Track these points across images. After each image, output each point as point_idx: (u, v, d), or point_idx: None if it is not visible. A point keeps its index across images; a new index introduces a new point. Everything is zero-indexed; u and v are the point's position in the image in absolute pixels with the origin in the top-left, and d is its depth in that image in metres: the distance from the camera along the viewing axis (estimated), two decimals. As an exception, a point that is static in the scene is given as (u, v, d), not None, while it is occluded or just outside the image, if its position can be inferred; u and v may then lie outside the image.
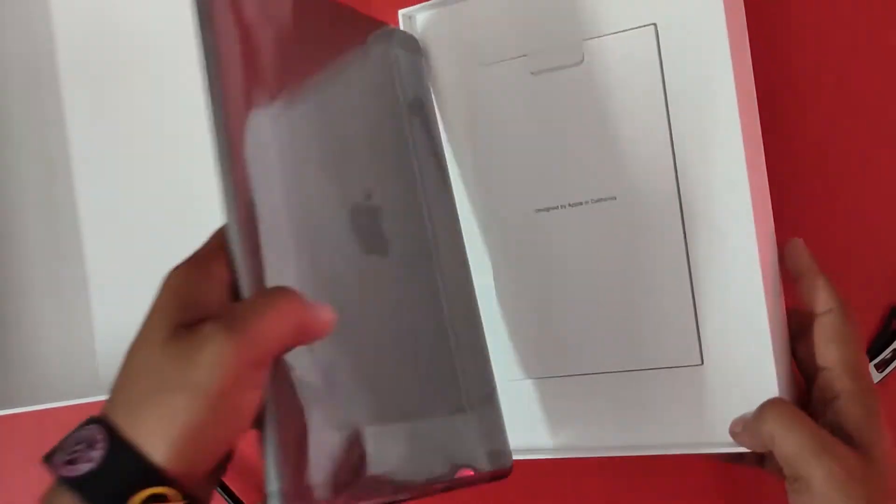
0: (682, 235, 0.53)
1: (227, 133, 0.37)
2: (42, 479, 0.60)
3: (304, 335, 0.35)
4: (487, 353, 0.52)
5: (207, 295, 0.34)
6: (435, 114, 0.55)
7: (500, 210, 0.56)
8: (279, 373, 0.37)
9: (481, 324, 0.51)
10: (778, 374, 0.48)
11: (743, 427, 0.43)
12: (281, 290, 0.34)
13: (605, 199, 0.54)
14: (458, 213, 0.55)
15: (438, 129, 0.55)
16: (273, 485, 0.38)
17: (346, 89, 0.48)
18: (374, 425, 0.41)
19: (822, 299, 0.43)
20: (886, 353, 0.59)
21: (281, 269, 0.38)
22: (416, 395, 0.44)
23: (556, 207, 0.55)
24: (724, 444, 0.49)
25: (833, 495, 0.36)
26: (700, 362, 0.52)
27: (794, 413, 0.40)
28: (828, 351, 0.41)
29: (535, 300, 0.56)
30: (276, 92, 0.41)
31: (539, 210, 0.55)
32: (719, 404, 0.50)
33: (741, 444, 0.44)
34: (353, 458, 0.40)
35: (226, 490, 0.59)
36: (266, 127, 0.41)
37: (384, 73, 0.51)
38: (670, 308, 0.53)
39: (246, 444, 0.60)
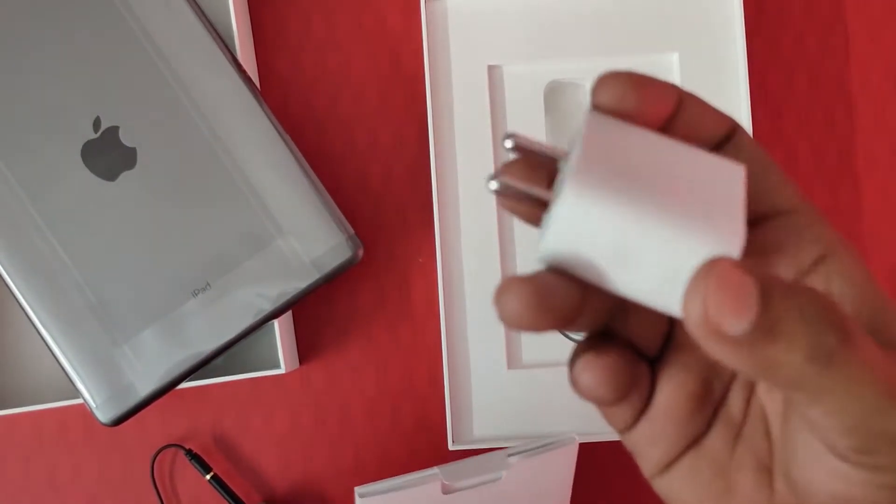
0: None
1: None
2: (41, 480, 0.60)
3: None
4: (305, 181, 0.51)
5: None
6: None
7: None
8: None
9: (295, 166, 0.51)
10: None
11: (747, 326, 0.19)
12: None
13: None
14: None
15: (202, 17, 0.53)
16: (91, 403, 0.50)
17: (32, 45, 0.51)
18: (173, 311, 0.50)
19: (718, 115, 0.23)
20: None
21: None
22: (209, 260, 0.50)
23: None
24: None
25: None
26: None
27: (865, 350, 0.20)
28: (776, 183, 0.23)
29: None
30: None
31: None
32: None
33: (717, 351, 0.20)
34: (157, 347, 0.50)
35: (226, 490, 0.58)
36: None
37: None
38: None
39: (246, 445, 0.60)
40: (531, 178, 0.23)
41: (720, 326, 0.18)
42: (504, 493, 0.51)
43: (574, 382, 0.23)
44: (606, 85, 0.22)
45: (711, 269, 0.19)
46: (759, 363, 0.19)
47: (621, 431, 0.25)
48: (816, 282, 0.22)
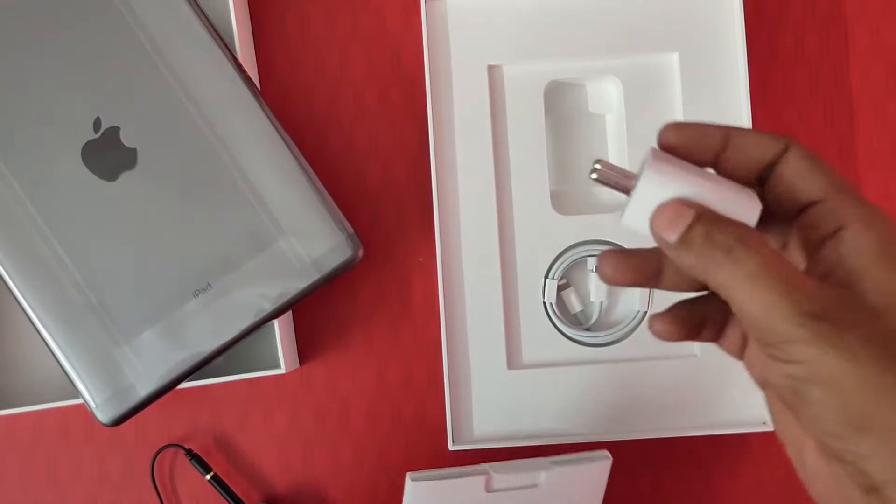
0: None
1: None
2: (41, 480, 0.60)
3: None
4: (305, 181, 0.51)
5: None
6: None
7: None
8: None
9: (295, 166, 0.51)
10: None
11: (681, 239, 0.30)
12: None
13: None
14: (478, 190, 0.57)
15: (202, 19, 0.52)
16: (91, 403, 0.50)
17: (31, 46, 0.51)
18: (173, 311, 0.50)
19: (766, 138, 0.31)
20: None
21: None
22: (210, 260, 0.50)
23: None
24: (717, 426, 0.55)
25: (825, 356, 0.27)
26: (697, 354, 0.57)
27: (764, 257, 0.29)
28: (811, 179, 0.31)
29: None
30: None
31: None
32: (712, 390, 0.56)
33: (678, 258, 0.31)
34: (157, 347, 0.50)
35: (226, 490, 0.58)
36: None
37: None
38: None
39: (246, 445, 0.60)
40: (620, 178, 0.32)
41: (665, 237, 0.30)
42: (541, 498, 0.52)
43: (650, 328, 0.34)
44: (668, 130, 0.32)
45: (663, 203, 0.30)
46: (686, 263, 0.30)
47: (717, 345, 0.35)
48: (827, 252, 0.30)
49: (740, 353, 0.34)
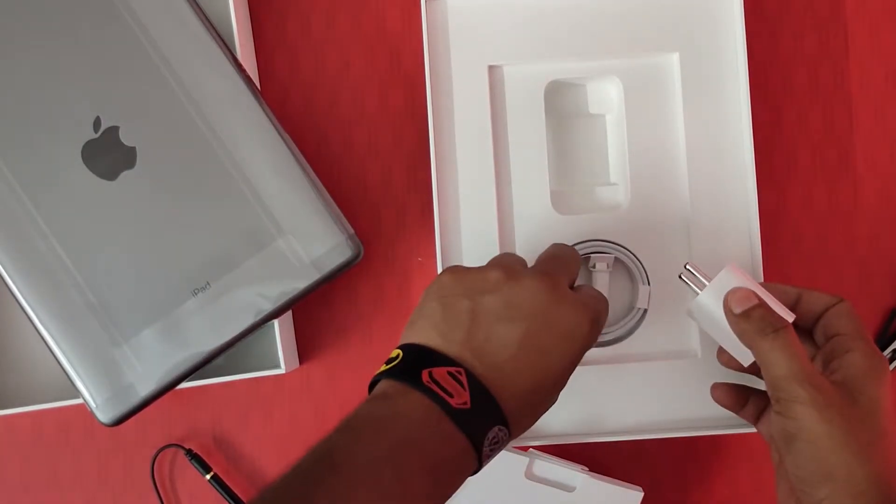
0: (688, 242, 0.57)
1: None
2: (41, 480, 0.60)
3: None
4: (305, 181, 0.51)
5: None
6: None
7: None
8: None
9: (295, 166, 0.51)
10: None
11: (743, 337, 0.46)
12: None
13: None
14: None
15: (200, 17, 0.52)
16: (91, 403, 0.50)
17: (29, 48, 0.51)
18: (173, 310, 0.50)
19: (827, 297, 0.46)
20: (886, 353, 0.59)
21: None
22: (209, 260, 0.50)
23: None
24: (717, 426, 0.55)
25: (812, 416, 0.41)
26: (697, 354, 0.57)
27: (793, 341, 0.43)
28: (843, 322, 0.45)
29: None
30: None
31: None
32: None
33: (731, 362, 0.49)
34: (157, 347, 0.50)
35: (226, 490, 0.58)
36: None
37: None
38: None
39: (246, 445, 0.60)
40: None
41: (733, 308, 0.45)
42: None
43: (712, 391, 0.51)
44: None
45: (738, 287, 0.46)
46: (740, 329, 0.45)
47: (752, 423, 0.50)
48: (837, 363, 0.44)
49: (755, 421, 0.50)
